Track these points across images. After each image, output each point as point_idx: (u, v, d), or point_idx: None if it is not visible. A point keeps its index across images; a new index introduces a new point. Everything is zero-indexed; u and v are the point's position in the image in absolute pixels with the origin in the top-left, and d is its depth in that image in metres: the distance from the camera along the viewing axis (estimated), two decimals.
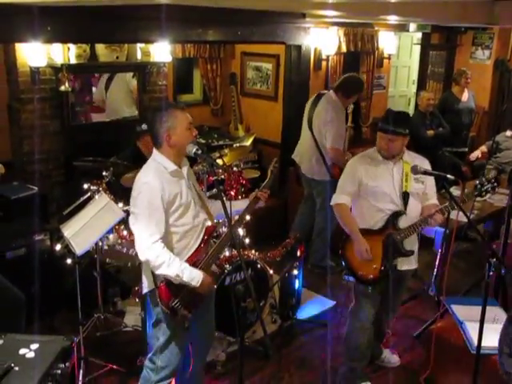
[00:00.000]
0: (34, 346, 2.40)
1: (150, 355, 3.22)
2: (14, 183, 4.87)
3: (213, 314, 3.42)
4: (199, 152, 2.91)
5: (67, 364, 2.40)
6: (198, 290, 2.96)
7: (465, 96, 7.10)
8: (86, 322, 4.20)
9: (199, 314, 3.17)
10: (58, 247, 4.26)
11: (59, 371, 2.33)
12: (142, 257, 2.89)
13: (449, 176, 3.31)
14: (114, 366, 3.93)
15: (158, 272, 2.89)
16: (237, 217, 4.22)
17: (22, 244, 4.36)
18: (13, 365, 2.27)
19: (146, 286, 3.08)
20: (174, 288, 2.95)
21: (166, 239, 2.95)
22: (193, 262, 3.02)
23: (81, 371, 3.76)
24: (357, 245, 3.55)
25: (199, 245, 3.07)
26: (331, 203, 3.68)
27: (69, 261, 3.99)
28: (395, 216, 3.55)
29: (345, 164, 5.13)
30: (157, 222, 2.86)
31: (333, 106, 5.16)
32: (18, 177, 5.26)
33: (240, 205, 3.34)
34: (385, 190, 3.56)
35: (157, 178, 2.88)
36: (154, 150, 2.98)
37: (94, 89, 5.88)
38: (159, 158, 2.96)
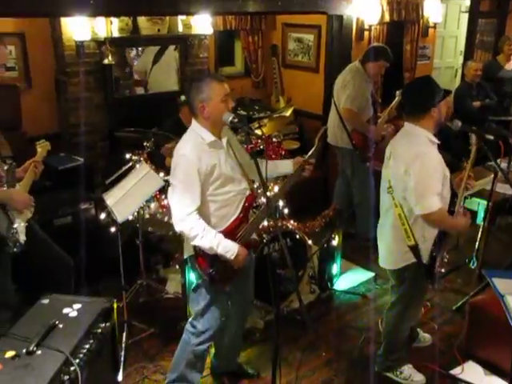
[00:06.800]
0: (77, 306, 2.49)
1: (190, 319, 3.28)
2: (60, 154, 5.03)
3: (252, 281, 3.44)
4: (235, 120, 2.87)
5: (108, 324, 2.49)
6: (233, 262, 2.96)
7: (509, 64, 6.85)
8: (129, 288, 4.31)
9: (238, 281, 3.19)
10: (103, 216, 4.36)
11: (100, 330, 2.42)
12: (176, 228, 2.90)
13: (488, 136, 3.21)
14: (156, 331, 4.05)
15: (192, 243, 2.92)
16: (276, 187, 4.25)
17: (69, 212, 4.51)
18: (57, 322, 2.37)
19: (186, 251, 3.13)
20: (211, 257, 2.97)
21: (205, 209, 2.96)
22: (232, 230, 3.02)
23: (124, 334, 3.91)
24: (465, 224, 3.22)
25: (239, 214, 3.06)
26: (425, 212, 3.07)
27: (112, 229, 4.09)
28: (452, 200, 3.27)
29: (377, 136, 5.14)
30: (192, 195, 2.86)
31: (352, 72, 5.16)
32: (64, 148, 5.40)
33: (284, 166, 3.31)
34: (449, 175, 3.22)
35: (194, 150, 2.87)
36: (193, 120, 2.98)
37: (135, 62, 5.93)
38: (197, 129, 2.95)
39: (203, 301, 3.16)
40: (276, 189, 4.19)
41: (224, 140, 3.02)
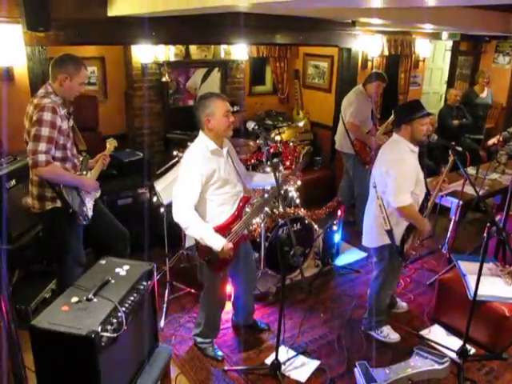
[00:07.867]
0: (126, 267, 2.51)
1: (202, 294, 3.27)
2: (126, 150, 5.08)
3: (252, 261, 3.36)
4: (256, 128, 2.87)
5: (149, 282, 2.50)
6: (219, 254, 2.82)
7: (484, 93, 6.65)
8: (172, 255, 4.33)
9: (242, 263, 3.14)
10: (155, 199, 4.37)
11: (142, 287, 2.43)
12: (174, 217, 2.76)
13: (457, 148, 3.13)
14: (192, 290, 4.06)
15: (186, 232, 2.82)
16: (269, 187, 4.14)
17: (130, 195, 4.54)
18: (110, 278, 2.40)
19: (188, 241, 3.08)
20: (207, 246, 2.83)
21: (206, 206, 2.85)
22: (228, 225, 2.91)
23: (166, 291, 3.96)
24: (425, 227, 3.17)
25: (234, 211, 2.95)
26: (397, 205, 3.03)
27: (161, 209, 4.11)
28: (426, 198, 3.22)
29: (375, 145, 5.00)
30: (192, 192, 2.73)
31: (356, 93, 5.11)
32: (130, 145, 5.48)
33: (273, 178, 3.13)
34: (422, 178, 3.19)
35: (198, 155, 2.77)
36: (200, 132, 2.86)
37: (187, 80, 5.93)
38: (203, 138, 2.84)
39: (206, 281, 3.13)
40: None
41: (225, 150, 2.91)
